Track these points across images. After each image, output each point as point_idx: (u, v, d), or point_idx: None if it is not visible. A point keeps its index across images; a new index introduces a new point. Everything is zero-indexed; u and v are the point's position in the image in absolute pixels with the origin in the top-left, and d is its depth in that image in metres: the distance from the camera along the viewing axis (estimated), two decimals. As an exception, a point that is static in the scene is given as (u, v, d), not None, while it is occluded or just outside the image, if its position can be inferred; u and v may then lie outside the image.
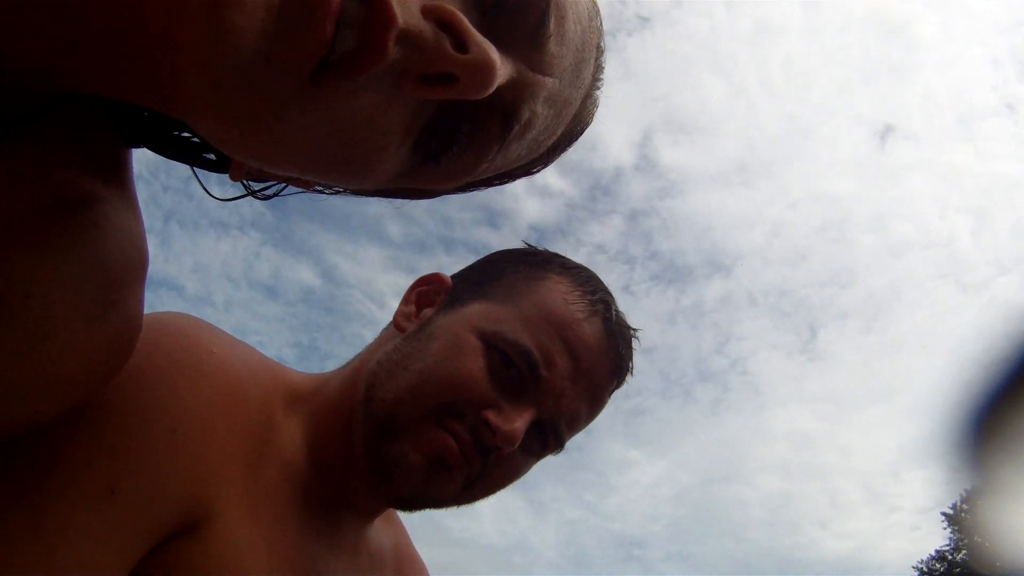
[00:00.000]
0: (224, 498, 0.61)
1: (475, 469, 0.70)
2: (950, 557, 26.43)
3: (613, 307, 0.78)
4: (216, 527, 0.60)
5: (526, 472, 0.78)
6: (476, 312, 0.74)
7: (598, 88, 0.59)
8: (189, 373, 0.62)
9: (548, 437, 0.75)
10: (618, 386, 0.81)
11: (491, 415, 0.68)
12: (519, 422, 0.68)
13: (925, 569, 27.14)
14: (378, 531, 0.84)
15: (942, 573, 26.57)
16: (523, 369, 0.70)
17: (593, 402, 0.77)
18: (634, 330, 0.81)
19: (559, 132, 0.56)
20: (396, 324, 0.80)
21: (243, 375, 0.68)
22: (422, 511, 0.78)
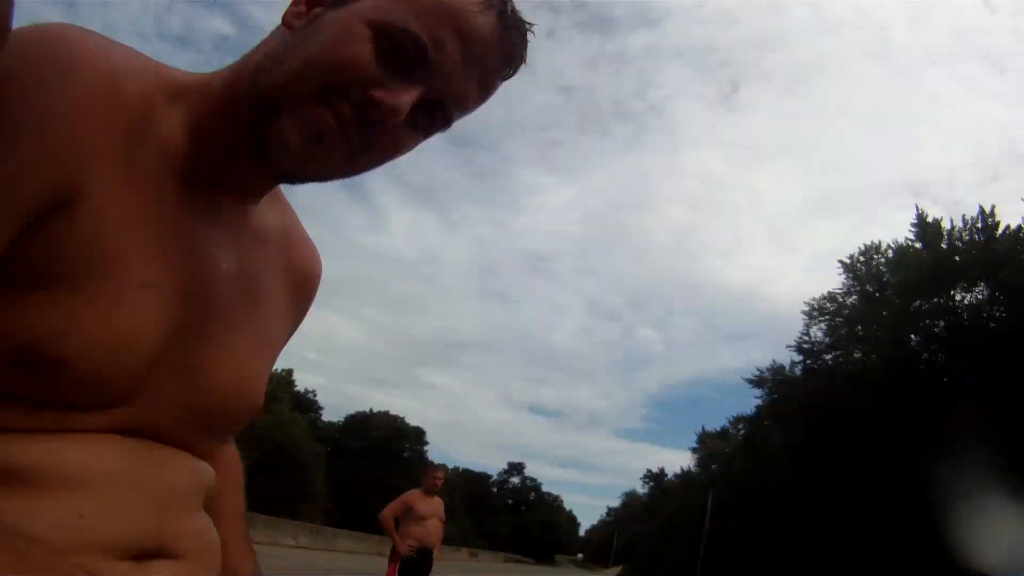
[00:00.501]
0: (97, 177, 0.64)
1: (356, 142, 0.73)
2: (840, 300, 29.22)
3: (509, 4, 0.78)
4: (88, 203, 0.63)
5: (411, 148, 0.82)
6: (367, 5, 0.74)
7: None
8: (62, 64, 0.62)
9: (436, 115, 0.78)
10: (510, 75, 0.83)
11: (377, 91, 0.71)
12: (405, 96, 0.71)
13: (815, 306, 30.02)
14: (263, 209, 0.88)
15: (830, 312, 29.49)
16: (412, 52, 0.72)
17: (483, 86, 0.80)
18: (530, 24, 0.82)
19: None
20: (285, 22, 0.79)
21: (121, 68, 0.68)
22: (305, 185, 0.80)
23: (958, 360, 20.69)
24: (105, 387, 0.63)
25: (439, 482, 7.00)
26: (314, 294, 0.96)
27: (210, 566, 0.76)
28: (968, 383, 18.75)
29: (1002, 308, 21.36)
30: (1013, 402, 17.50)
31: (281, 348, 0.90)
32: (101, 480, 0.63)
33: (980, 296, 22.61)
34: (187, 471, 0.73)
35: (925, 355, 22.93)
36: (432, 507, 6.82)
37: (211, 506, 0.84)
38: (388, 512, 6.73)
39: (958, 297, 22.89)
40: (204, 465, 0.77)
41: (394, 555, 6.55)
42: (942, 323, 22.75)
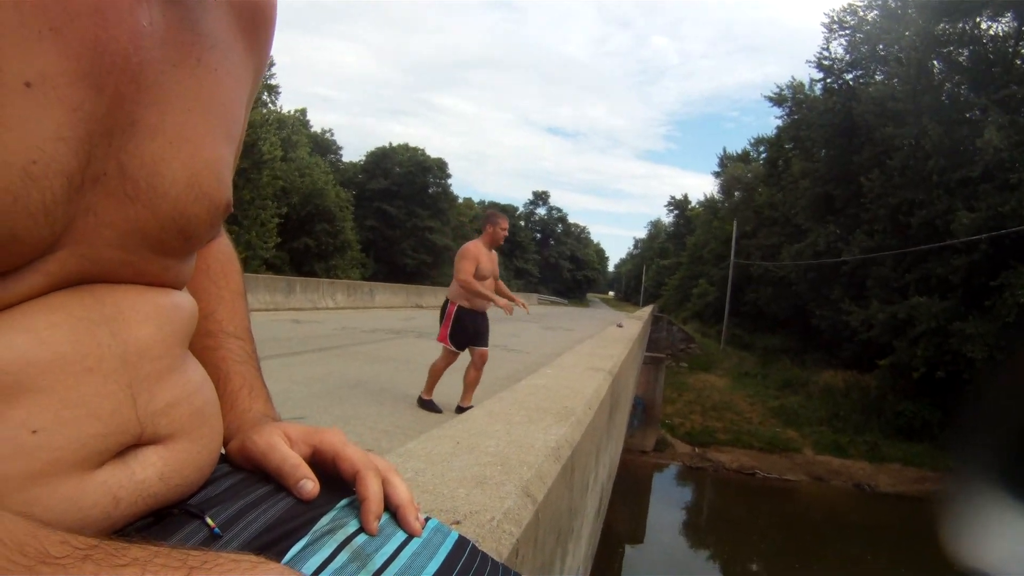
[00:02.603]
0: None
1: None
2: (861, 14, 27.68)
3: None
4: None
5: None
6: None
7: None
8: None
9: None
10: None
11: None
12: None
13: (835, 19, 28.53)
14: None
15: (851, 26, 28.10)
16: None
17: None
18: None
19: None
20: None
21: None
22: None
23: (981, 95, 20.18)
24: (18, 240, 0.48)
25: (505, 233, 6.29)
26: (272, 23, 0.74)
27: (208, 435, 0.67)
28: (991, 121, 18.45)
29: (1029, 45, 20.35)
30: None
31: (245, 112, 0.73)
32: (50, 373, 0.51)
33: (1007, 28, 21.43)
34: (156, 319, 0.60)
35: (948, 85, 22.26)
36: (492, 263, 6.23)
37: (204, 330, 0.79)
38: (468, 276, 6.03)
39: (984, 25, 21.71)
40: (177, 298, 0.64)
41: (446, 315, 6.18)
42: (966, 52, 21.83)
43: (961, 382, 18.00)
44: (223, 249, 0.89)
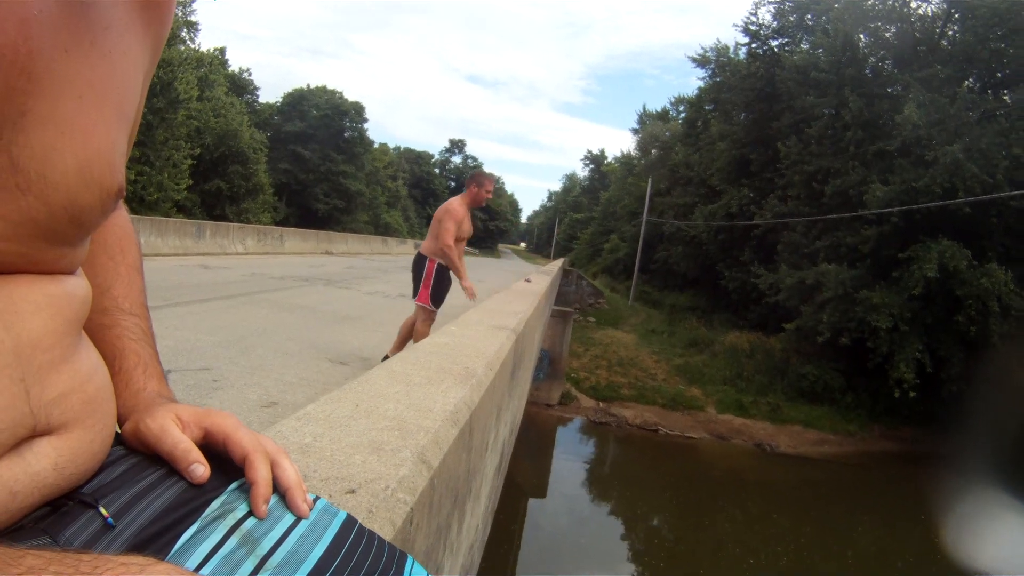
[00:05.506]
0: None
1: None
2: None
3: None
4: None
5: None
6: None
7: None
8: None
9: None
10: None
11: None
12: None
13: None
14: None
15: None
16: None
17: None
18: None
19: None
20: None
21: None
22: None
23: (904, 72, 20.63)
24: None
25: (489, 196, 6.10)
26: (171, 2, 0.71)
27: (101, 421, 0.66)
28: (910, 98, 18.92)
29: (956, 27, 20.84)
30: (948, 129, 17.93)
31: (140, 94, 0.69)
32: None
33: (936, 8, 21.94)
34: (49, 308, 0.59)
35: (872, 60, 22.69)
36: (470, 226, 6.05)
37: (99, 306, 0.78)
38: (451, 239, 5.81)
39: (913, 4, 22.14)
40: (70, 284, 0.62)
41: (425, 274, 5.94)
42: (893, 29, 22.24)
43: (864, 349, 18.65)
44: (121, 223, 0.88)
